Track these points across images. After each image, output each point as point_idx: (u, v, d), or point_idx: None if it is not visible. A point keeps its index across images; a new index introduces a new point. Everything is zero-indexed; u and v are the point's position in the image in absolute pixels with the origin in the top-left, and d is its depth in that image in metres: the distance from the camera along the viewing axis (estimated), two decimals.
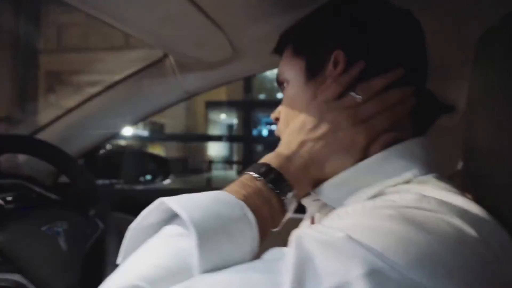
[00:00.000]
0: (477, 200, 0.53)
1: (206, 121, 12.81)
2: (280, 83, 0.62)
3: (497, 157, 0.49)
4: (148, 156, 1.47)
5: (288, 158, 0.50)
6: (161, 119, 10.52)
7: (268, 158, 0.51)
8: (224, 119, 14.40)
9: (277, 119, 0.62)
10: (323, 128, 0.51)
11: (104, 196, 1.04)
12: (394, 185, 0.47)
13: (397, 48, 0.53)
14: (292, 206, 0.50)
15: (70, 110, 1.16)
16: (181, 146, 11.85)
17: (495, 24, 0.53)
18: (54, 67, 8.99)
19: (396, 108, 0.52)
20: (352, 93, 0.51)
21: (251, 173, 0.48)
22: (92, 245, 0.95)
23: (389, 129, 0.51)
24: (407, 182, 0.47)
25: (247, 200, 0.43)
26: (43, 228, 0.83)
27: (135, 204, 1.28)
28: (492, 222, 0.40)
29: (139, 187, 1.39)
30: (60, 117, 1.16)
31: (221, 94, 11.36)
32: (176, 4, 0.67)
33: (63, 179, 1.23)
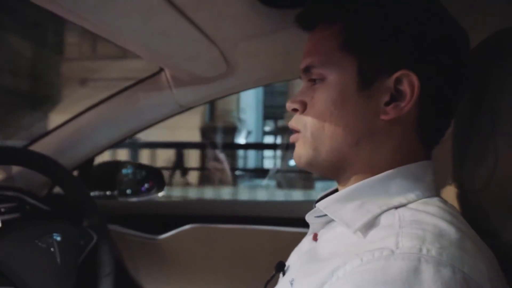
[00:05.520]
0: (467, 213, 0.54)
1: None
2: (308, 72, 0.54)
3: (485, 172, 0.51)
4: (142, 167, 1.47)
5: None
6: None
7: None
8: None
9: (294, 110, 0.56)
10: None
11: (99, 207, 1.04)
12: (397, 206, 0.48)
13: (463, 78, 0.52)
14: None
15: (65, 122, 1.17)
16: None
17: (478, 45, 0.55)
18: None
19: None
20: None
21: None
22: (85, 256, 0.95)
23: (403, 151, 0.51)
24: (410, 202, 0.48)
25: None
26: (37, 241, 0.83)
27: (129, 217, 1.29)
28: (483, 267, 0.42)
29: (134, 199, 1.39)
30: (55, 129, 1.17)
31: None
32: (170, 19, 0.69)
33: (57, 189, 1.23)
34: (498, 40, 0.53)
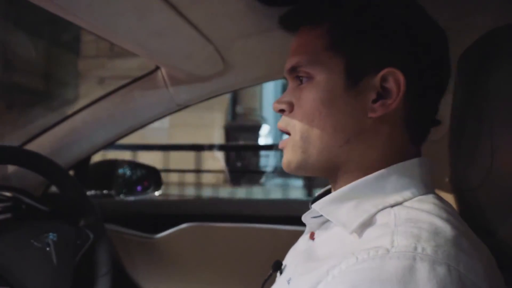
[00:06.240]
0: (464, 211, 0.54)
1: None
2: (294, 71, 0.54)
3: (481, 171, 0.51)
4: (140, 166, 1.47)
5: None
6: None
7: None
8: None
9: (281, 111, 0.56)
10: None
11: (95, 207, 1.04)
12: (393, 205, 0.47)
13: (445, 76, 0.53)
14: None
15: (61, 121, 1.16)
16: None
17: (473, 44, 0.55)
18: None
19: None
20: None
21: None
22: (82, 255, 0.95)
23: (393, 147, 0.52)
24: (406, 200, 0.48)
25: None
26: (33, 241, 0.83)
27: (126, 216, 1.29)
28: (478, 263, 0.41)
29: (130, 198, 1.38)
30: (51, 128, 1.16)
31: None
32: (166, 18, 0.68)
33: (53, 189, 1.23)
34: (492, 39, 0.53)
